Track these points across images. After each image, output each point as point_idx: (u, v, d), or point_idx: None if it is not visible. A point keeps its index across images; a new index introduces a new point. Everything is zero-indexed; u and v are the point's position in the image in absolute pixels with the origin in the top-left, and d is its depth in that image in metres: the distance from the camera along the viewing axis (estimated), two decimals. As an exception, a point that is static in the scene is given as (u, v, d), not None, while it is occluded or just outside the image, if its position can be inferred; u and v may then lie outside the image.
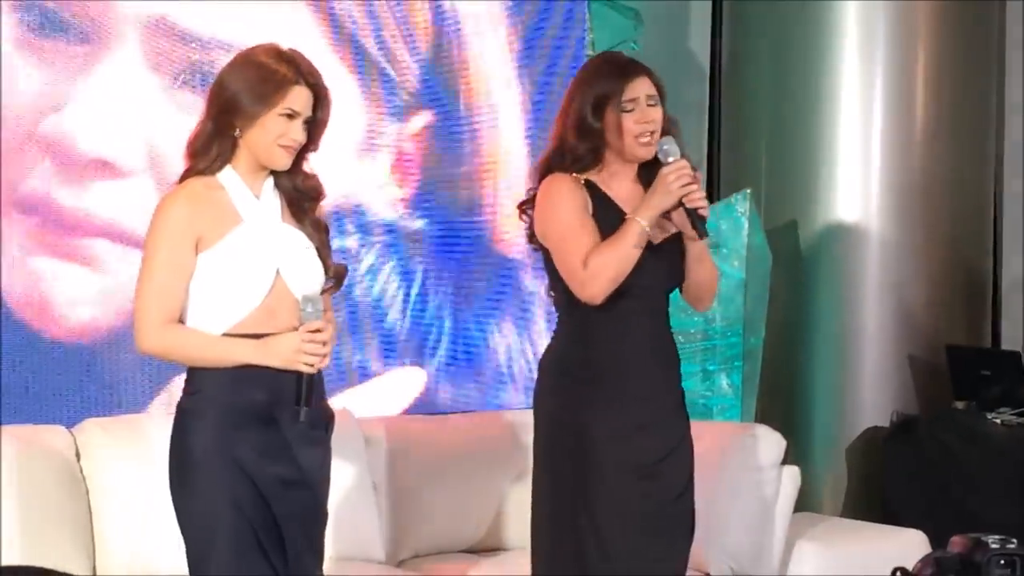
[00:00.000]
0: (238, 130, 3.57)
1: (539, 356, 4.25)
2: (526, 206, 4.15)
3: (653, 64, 4.18)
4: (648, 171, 4.08)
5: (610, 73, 4.05)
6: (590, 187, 4.07)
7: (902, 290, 6.34)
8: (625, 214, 4.02)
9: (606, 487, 4.00)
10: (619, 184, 4.09)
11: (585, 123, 4.03)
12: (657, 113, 4.04)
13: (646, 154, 4.05)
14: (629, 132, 4.02)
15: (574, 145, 4.05)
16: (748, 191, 6.07)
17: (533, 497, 4.14)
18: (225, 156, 3.60)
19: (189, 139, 3.64)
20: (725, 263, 5.90)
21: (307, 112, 3.60)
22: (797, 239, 6.40)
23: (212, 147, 3.59)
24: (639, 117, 4.02)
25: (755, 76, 6.59)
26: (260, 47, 3.64)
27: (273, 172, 3.65)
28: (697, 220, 3.97)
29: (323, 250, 3.69)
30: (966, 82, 6.48)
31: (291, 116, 3.57)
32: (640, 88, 4.02)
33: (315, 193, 3.70)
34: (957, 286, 6.46)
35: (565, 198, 4.04)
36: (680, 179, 3.93)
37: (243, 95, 3.55)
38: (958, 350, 6.24)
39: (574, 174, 4.07)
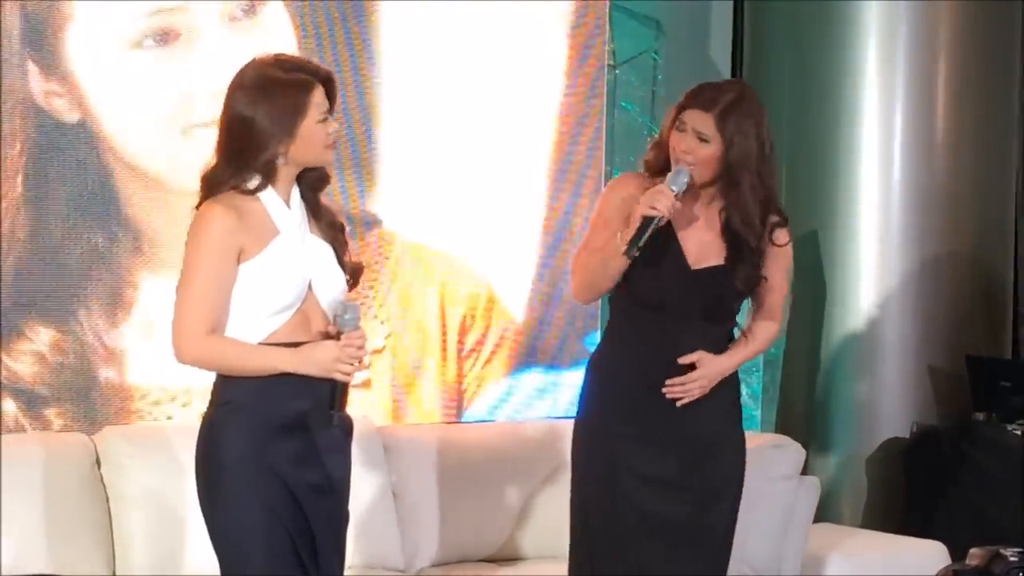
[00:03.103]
0: (281, 157, 3.55)
1: None
2: None
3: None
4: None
5: (684, 95, 4.13)
6: None
7: (922, 300, 6.31)
8: (670, 225, 4.07)
9: (620, 488, 4.07)
10: (683, 198, 4.08)
11: (661, 135, 4.15)
12: (700, 149, 4.04)
13: None
14: (672, 150, 4.08)
15: (651, 152, 4.17)
16: (768, 200, 6.05)
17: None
18: (270, 177, 3.55)
19: (205, 173, 3.59)
20: (745, 272, 5.88)
21: (327, 104, 3.60)
22: (817, 248, 6.38)
23: (252, 168, 3.53)
24: (678, 141, 4.06)
25: (775, 84, 6.57)
26: (251, 65, 3.58)
27: (298, 180, 3.64)
28: (636, 236, 3.97)
29: (338, 247, 3.69)
30: (988, 87, 6.45)
31: (324, 120, 3.58)
32: (693, 119, 4.05)
33: (323, 174, 3.67)
34: (978, 296, 6.43)
35: (608, 194, 4.21)
36: (649, 198, 3.97)
37: (269, 124, 3.51)
38: (978, 361, 6.22)
39: (646, 175, 4.16)
